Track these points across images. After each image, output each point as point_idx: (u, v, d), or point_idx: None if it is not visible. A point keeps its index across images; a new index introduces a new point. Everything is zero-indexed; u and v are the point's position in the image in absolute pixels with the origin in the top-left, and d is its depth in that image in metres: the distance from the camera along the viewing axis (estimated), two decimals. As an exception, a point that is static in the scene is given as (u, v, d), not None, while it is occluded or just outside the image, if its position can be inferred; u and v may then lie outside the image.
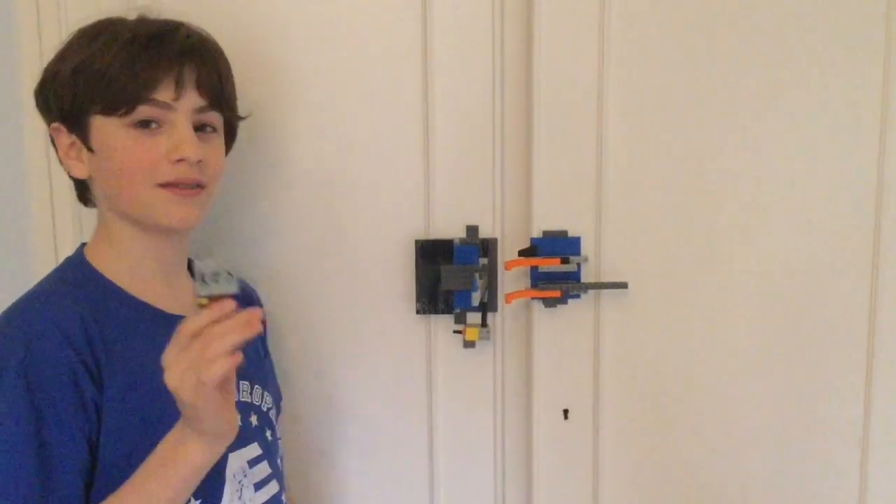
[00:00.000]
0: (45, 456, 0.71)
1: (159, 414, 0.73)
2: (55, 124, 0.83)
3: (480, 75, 1.04)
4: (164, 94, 0.80)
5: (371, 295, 1.08)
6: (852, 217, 1.04)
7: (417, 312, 1.07)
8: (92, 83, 0.79)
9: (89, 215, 0.97)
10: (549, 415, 1.07)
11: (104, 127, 0.80)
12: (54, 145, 0.84)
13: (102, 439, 0.74)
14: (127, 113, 0.79)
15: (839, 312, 1.06)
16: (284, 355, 1.08)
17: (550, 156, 1.03)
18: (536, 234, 1.04)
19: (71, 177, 0.86)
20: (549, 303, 1.05)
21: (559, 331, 1.06)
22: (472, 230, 1.06)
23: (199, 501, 0.77)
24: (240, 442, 0.80)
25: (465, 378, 1.08)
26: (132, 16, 0.84)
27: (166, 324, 0.71)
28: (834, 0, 1.01)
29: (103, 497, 0.72)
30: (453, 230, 1.07)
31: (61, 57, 0.82)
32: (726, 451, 1.08)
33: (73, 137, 0.82)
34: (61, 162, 0.84)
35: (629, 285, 1.04)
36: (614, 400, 1.07)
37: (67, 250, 1.05)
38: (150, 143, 0.80)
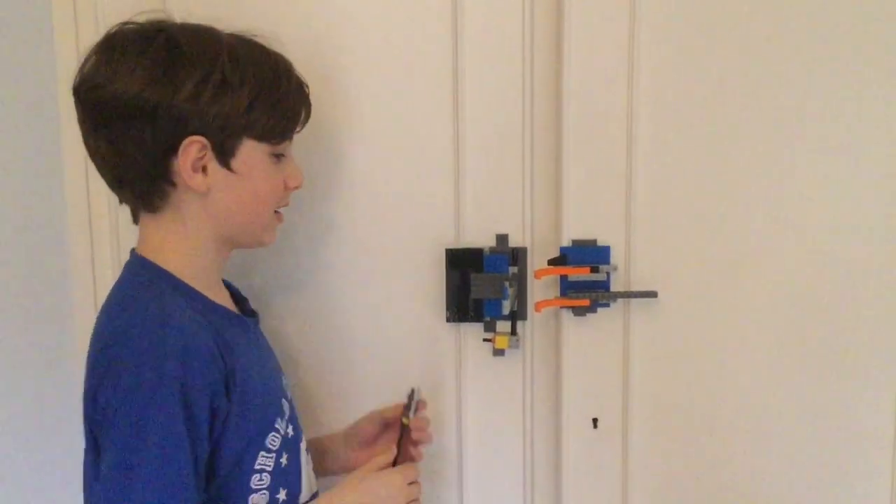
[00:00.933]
0: (198, 471, 0.77)
1: (260, 412, 0.84)
2: (197, 138, 0.80)
3: (510, 84, 1.05)
4: (297, 129, 0.90)
5: (402, 303, 1.09)
6: (884, 224, 1.03)
7: (447, 320, 1.08)
8: (268, 110, 0.83)
9: (126, 216, 1.00)
10: (578, 423, 1.08)
11: (252, 151, 0.83)
12: (167, 154, 0.80)
13: (221, 443, 0.80)
14: (278, 143, 0.86)
15: (870, 320, 1.05)
16: (315, 361, 1.10)
17: (580, 164, 1.04)
18: (566, 242, 1.05)
19: (160, 184, 0.82)
20: (579, 311, 1.05)
21: (588, 340, 1.06)
22: (501, 239, 1.07)
23: (286, 491, 0.86)
24: (301, 431, 0.91)
25: (495, 386, 1.09)
26: (237, 33, 0.86)
27: (241, 324, 0.88)
28: (868, 6, 1.00)
29: None
30: (483, 239, 1.07)
31: (214, 65, 0.80)
32: (756, 461, 1.07)
33: (210, 153, 0.81)
34: (166, 171, 0.81)
35: (659, 294, 1.04)
36: (644, 409, 1.07)
37: (105, 250, 1.09)
38: (279, 173, 0.87)
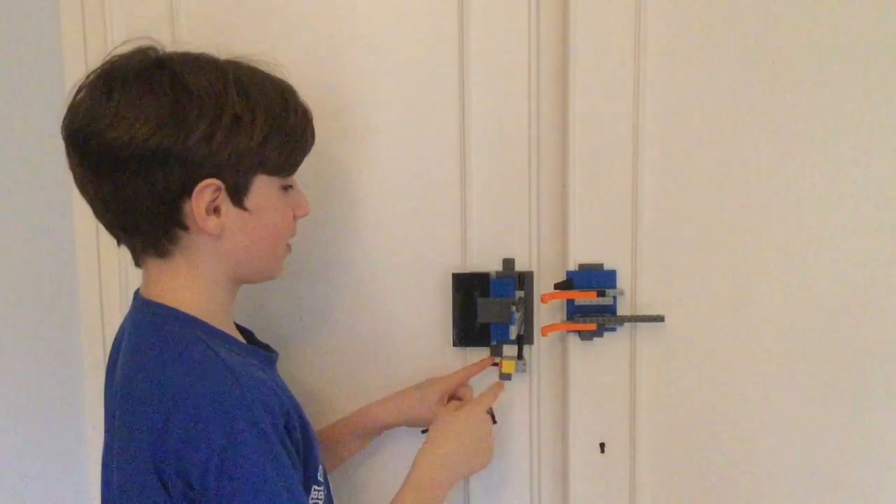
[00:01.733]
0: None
1: (313, 444, 0.85)
2: (212, 181, 0.77)
3: (516, 108, 1.05)
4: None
5: (409, 327, 1.09)
6: (892, 245, 1.03)
7: (454, 344, 1.08)
8: (280, 143, 0.81)
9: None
10: (585, 448, 1.07)
11: (264, 187, 0.81)
12: (180, 198, 0.77)
13: None
14: (287, 175, 0.85)
15: (883, 346, 1.04)
16: (322, 385, 1.10)
17: (586, 189, 1.04)
18: (572, 266, 1.05)
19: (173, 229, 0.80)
20: (586, 336, 1.05)
21: (595, 364, 1.06)
22: (508, 263, 1.07)
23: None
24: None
25: (501, 410, 1.08)
26: (237, 58, 0.83)
27: (269, 362, 0.88)
28: (879, 15, 1.00)
29: None
30: (490, 263, 1.08)
31: (224, 102, 0.77)
32: (766, 487, 1.06)
33: (224, 195, 0.78)
34: (179, 216, 0.78)
35: (666, 318, 1.04)
36: (651, 434, 1.07)
37: (113, 287, 1.10)
38: (289, 204, 0.86)
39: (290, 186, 0.86)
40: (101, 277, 1.12)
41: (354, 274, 1.08)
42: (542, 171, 1.07)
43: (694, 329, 1.05)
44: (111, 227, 0.82)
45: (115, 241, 1.09)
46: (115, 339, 0.88)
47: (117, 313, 1.11)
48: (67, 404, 1.12)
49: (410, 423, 1.04)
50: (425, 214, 1.08)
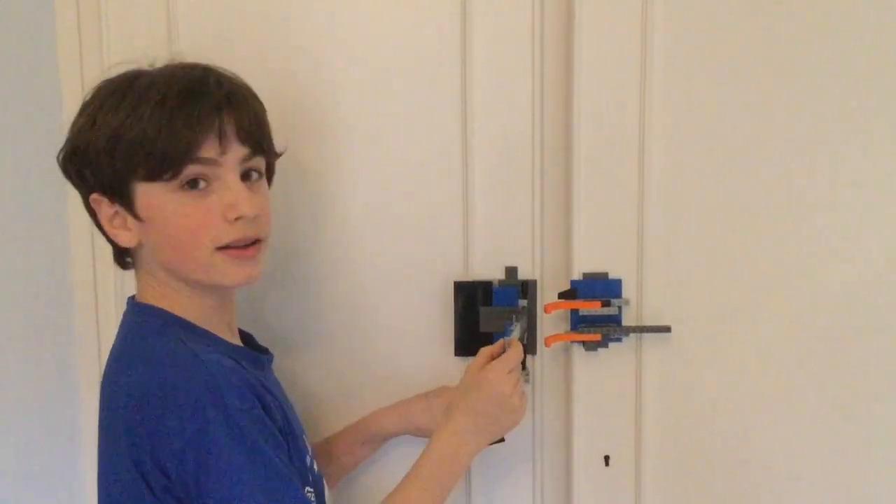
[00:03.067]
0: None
1: (300, 446, 0.84)
2: (94, 195, 0.79)
3: (520, 116, 1.04)
4: (208, 150, 0.77)
5: (410, 336, 1.07)
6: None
7: (456, 354, 1.06)
8: (131, 151, 0.76)
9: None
10: (589, 461, 1.05)
11: (150, 194, 0.77)
12: (94, 216, 0.82)
13: None
14: (173, 177, 0.76)
15: (893, 357, 1.02)
16: (323, 393, 1.08)
17: (590, 196, 1.02)
18: (576, 275, 1.03)
19: (115, 245, 0.84)
20: (590, 346, 1.03)
21: (600, 375, 1.04)
22: (511, 271, 1.05)
23: None
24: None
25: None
26: (157, 63, 0.82)
27: (259, 363, 0.88)
28: (889, 16, 0.98)
29: None
30: (492, 271, 1.06)
31: (89, 122, 0.78)
32: (775, 499, 1.04)
33: (117, 207, 0.79)
34: (104, 232, 0.82)
35: (672, 329, 1.02)
36: (657, 447, 1.05)
37: (110, 298, 1.09)
38: (203, 205, 0.78)
39: (200, 184, 0.78)
40: (97, 285, 1.11)
41: (355, 281, 1.07)
42: (545, 178, 1.05)
43: (701, 340, 1.03)
44: None
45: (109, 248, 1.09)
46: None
47: (113, 318, 1.09)
48: (62, 417, 1.11)
49: (416, 432, 1.02)
50: (427, 222, 1.06)
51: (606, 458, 1.04)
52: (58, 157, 0.81)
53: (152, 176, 0.76)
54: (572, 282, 1.03)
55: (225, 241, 0.79)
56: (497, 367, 0.88)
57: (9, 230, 1.01)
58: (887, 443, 1.03)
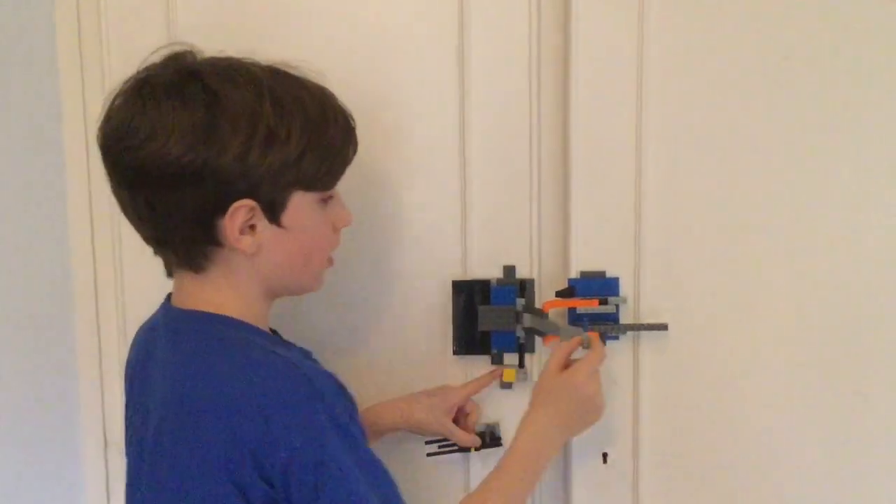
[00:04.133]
0: None
1: None
2: (246, 202, 0.75)
3: (518, 115, 1.04)
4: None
5: (408, 335, 1.08)
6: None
7: (454, 353, 1.07)
8: (318, 157, 0.77)
9: (133, 274, 1.05)
10: (587, 458, 1.06)
11: (302, 202, 0.78)
12: (214, 216, 0.75)
13: None
14: (327, 189, 0.81)
15: (890, 351, 1.02)
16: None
17: (588, 195, 1.03)
18: (574, 274, 1.04)
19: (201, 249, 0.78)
20: (586, 344, 1.03)
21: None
22: (509, 270, 1.06)
23: None
24: None
25: (503, 419, 1.07)
26: (270, 65, 0.80)
27: (304, 355, 0.86)
28: (885, 17, 0.99)
29: None
30: (490, 271, 1.06)
31: (258, 118, 0.74)
32: (770, 495, 1.05)
33: (260, 213, 0.76)
34: (222, 234, 0.76)
35: (669, 327, 1.02)
36: (655, 444, 1.05)
37: (110, 311, 1.10)
38: (327, 217, 0.82)
39: (331, 198, 0.82)
40: (97, 290, 1.11)
41: (354, 281, 1.07)
42: (543, 177, 1.05)
43: (698, 337, 1.04)
44: (146, 239, 0.80)
45: (111, 250, 1.09)
46: (136, 355, 0.85)
47: (113, 318, 1.11)
48: (63, 426, 1.11)
49: (415, 430, 1.03)
50: (425, 222, 1.06)
51: (605, 456, 1.05)
52: (209, 165, 0.73)
53: (316, 185, 0.79)
54: (570, 280, 1.03)
55: (333, 250, 0.86)
56: (583, 368, 0.91)
57: (9, 231, 1.01)
58: (883, 438, 1.03)
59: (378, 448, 1.05)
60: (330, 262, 0.86)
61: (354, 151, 0.84)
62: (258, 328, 0.80)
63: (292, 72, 0.80)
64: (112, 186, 0.78)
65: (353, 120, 0.83)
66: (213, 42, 1.03)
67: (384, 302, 1.07)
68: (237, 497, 0.71)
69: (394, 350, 1.08)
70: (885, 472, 1.04)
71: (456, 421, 1.04)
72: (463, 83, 1.04)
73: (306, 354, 0.87)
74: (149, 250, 1.09)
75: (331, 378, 0.77)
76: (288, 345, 0.85)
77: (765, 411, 1.04)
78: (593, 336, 0.96)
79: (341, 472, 0.72)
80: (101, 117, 0.77)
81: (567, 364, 0.93)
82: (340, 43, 1.04)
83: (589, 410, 0.92)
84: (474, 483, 1.08)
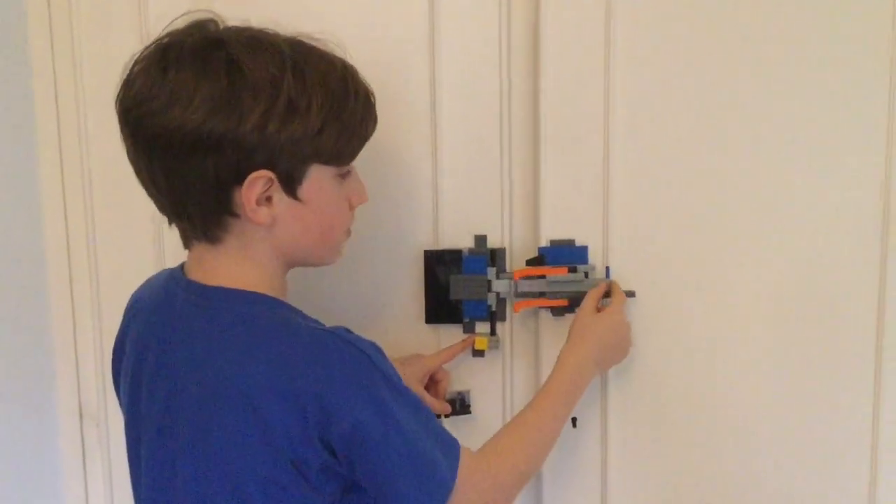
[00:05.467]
0: None
1: None
2: (264, 172, 0.74)
3: (488, 87, 1.05)
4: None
5: (381, 305, 1.09)
6: (860, 222, 1.03)
7: (426, 322, 1.08)
8: (338, 131, 0.77)
9: (107, 246, 1.05)
10: (557, 423, 1.08)
11: (319, 176, 0.78)
12: (231, 186, 0.75)
13: None
14: (346, 163, 0.82)
15: (849, 317, 1.05)
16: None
17: (557, 165, 1.04)
18: (544, 243, 1.05)
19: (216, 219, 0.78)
20: (557, 312, 1.05)
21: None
22: (480, 240, 1.07)
23: None
24: None
25: (475, 386, 1.09)
26: (287, 35, 0.79)
27: None
28: (842, 4, 1.00)
29: None
30: (462, 240, 1.07)
31: (279, 88, 0.73)
32: (735, 457, 1.08)
33: (277, 185, 0.76)
34: (239, 204, 0.76)
35: (637, 294, 1.05)
36: (623, 408, 1.08)
37: (83, 282, 1.10)
38: (343, 192, 0.83)
39: (348, 173, 0.83)
40: (70, 263, 1.11)
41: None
42: (513, 148, 1.06)
43: (666, 304, 1.06)
44: (162, 208, 0.80)
45: (83, 220, 1.10)
46: (148, 330, 0.83)
47: (87, 298, 1.11)
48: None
49: None
50: (397, 192, 1.07)
51: (574, 420, 1.07)
52: (229, 134, 0.73)
53: (335, 159, 0.79)
54: (540, 249, 1.05)
55: (350, 225, 0.87)
56: (617, 309, 1.00)
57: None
58: (852, 406, 1.06)
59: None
60: (347, 233, 0.87)
61: (374, 127, 0.84)
62: (289, 304, 0.81)
63: (315, 44, 0.80)
64: (129, 153, 0.78)
65: (374, 95, 0.83)
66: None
67: (357, 272, 1.08)
68: (295, 475, 0.74)
69: (366, 319, 1.09)
70: (850, 436, 1.06)
71: (427, 388, 1.06)
72: (433, 56, 1.04)
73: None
74: (122, 221, 1.10)
75: (374, 344, 0.79)
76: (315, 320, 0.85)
77: (732, 375, 1.06)
78: (615, 284, 1.03)
79: (401, 432, 0.75)
80: (121, 82, 0.76)
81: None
82: (312, 14, 1.04)
83: (621, 346, 1.02)
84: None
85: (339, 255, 0.87)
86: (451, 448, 0.79)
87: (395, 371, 0.79)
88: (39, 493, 1.11)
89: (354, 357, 0.75)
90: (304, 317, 0.81)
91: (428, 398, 1.05)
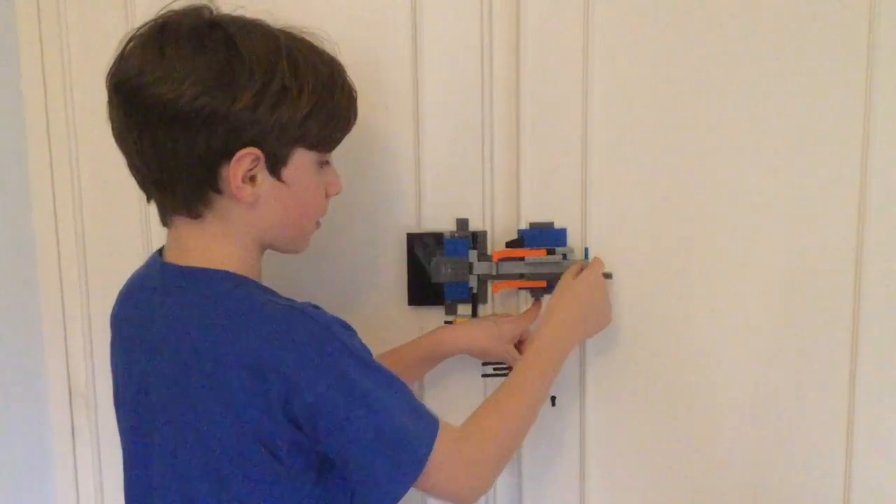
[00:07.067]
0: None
1: None
2: (252, 150, 0.77)
3: (469, 72, 1.07)
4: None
5: (363, 287, 1.11)
6: (836, 205, 1.05)
7: (409, 303, 1.11)
8: (324, 119, 0.80)
9: (95, 226, 1.07)
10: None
11: (302, 160, 0.81)
12: (218, 162, 0.77)
13: None
14: (327, 151, 0.84)
15: (825, 300, 1.07)
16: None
17: (537, 149, 1.06)
18: (524, 225, 1.07)
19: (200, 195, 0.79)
20: (536, 293, 1.08)
21: (546, 320, 1.09)
22: (462, 223, 1.09)
23: None
24: None
25: (455, 366, 1.11)
26: (278, 25, 0.81)
27: None
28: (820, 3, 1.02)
29: None
30: (444, 223, 1.10)
31: (274, 72, 0.76)
32: (711, 437, 1.10)
33: (263, 165, 0.78)
34: (224, 180, 0.78)
35: (614, 276, 1.07)
36: (600, 386, 1.10)
37: (72, 261, 1.12)
38: (321, 181, 0.85)
39: (327, 163, 0.86)
40: (59, 242, 1.13)
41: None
42: (495, 132, 1.08)
43: (642, 286, 1.08)
44: (144, 182, 0.81)
45: (71, 198, 1.11)
46: (136, 314, 0.85)
47: (75, 275, 1.13)
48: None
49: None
50: (380, 176, 1.09)
51: (553, 399, 1.09)
52: (221, 111, 0.75)
53: (319, 145, 0.82)
54: (519, 231, 1.07)
55: (323, 214, 0.88)
56: (591, 272, 1.02)
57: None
58: (815, 384, 1.08)
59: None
60: (317, 225, 0.89)
61: (355, 120, 0.87)
62: (258, 282, 0.83)
63: (306, 37, 0.83)
64: (117, 127, 0.79)
65: (356, 91, 0.86)
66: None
67: (341, 254, 1.10)
68: (263, 452, 0.76)
69: (350, 300, 1.11)
70: (821, 414, 1.09)
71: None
72: (416, 39, 1.06)
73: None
74: (109, 197, 1.12)
75: (340, 320, 0.80)
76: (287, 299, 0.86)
77: (706, 355, 1.09)
78: (595, 257, 1.06)
79: (365, 404, 0.76)
80: (114, 57, 0.78)
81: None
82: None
83: (600, 310, 1.02)
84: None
85: (306, 245, 0.89)
86: (428, 424, 0.80)
87: (363, 346, 0.80)
88: (29, 471, 1.13)
89: (316, 331, 0.76)
90: (275, 294, 0.82)
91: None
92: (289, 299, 0.82)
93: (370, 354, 0.80)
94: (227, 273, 0.80)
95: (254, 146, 0.77)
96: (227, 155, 0.76)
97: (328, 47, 0.84)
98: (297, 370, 0.74)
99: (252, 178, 0.78)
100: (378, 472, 0.77)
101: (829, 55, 1.03)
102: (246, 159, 0.77)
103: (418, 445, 0.78)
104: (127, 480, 0.86)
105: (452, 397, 1.11)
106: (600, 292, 1.02)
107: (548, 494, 1.13)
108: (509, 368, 1.07)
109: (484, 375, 1.09)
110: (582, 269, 1.03)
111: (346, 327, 0.80)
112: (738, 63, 1.04)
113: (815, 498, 1.09)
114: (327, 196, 0.87)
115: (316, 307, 0.81)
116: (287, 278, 1.10)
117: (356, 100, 0.86)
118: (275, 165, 0.79)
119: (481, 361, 1.08)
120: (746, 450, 1.10)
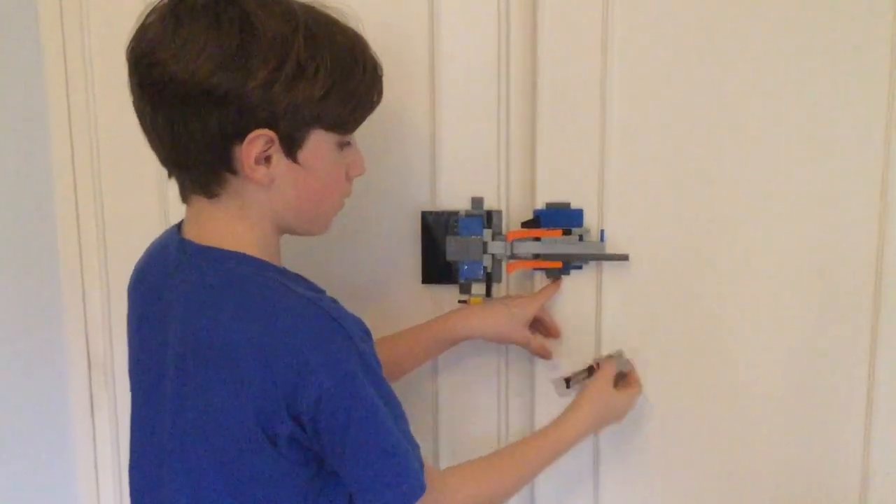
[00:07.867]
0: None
1: None
2: (265, 132, 0.75)
3: (486, 50, 1.06)
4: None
5: (377, 265, 1.11)
6: (856, 190, 1.03)
7: (423, 282, 1.10)
8: (342, 99, 0.78)
9: (113, 198, 1.07)
10: (551, 384, 1.10)
11: (320, 142, 0.79)
12: (232, 142, 0.75)
13: None
14: (347, 132, 0.82)
15: (845, 281, 1.05)
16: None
17: (554, 128, 1.05)
18: (540, 205, 1.06)
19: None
20: (552, 273, 1.07)
21: (561, 301, 1.08)
22: (476, 202, 1.09)
23: None
24: None
25: (470, 346, 1.11)
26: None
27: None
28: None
29: None
30: (459, 202, 1.09)
31: (289, 50, 0.74)
32: (729, 421, 1.09)
33: (278, 146, 0.76)
34: (238, 161, 0.76)
35: (630, 257, 1.06)
36: (615, 370, 1.09)
37: (91, 233, 1.14)
38: (342, 162, 0.83)
39: (348, 144, 0.83)
40: (79, 214, 1.15)
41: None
42: (511, 110, 1.07)
43: (659, 267, 1.07)
44: (163, 160, 0.81)
45: (90, 170, 1.12)
46: (154, 284, 0.85)
47: (94, 248, 1.15)
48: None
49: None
50: (395, 154, 1.09)
51: (567, 381, 1.09)
52: (234, 90, 0.73)
53: (337, 127, 0.80)
54: (535, 211, 1.06)
55: (345, 195, 0.87)
56: (633, 394, 1.06)
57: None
58: (834, 366, 1.07)
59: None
60: (340, 204, 0.87)
61: (379, 100, 0.84)
62: (277, 266, 0.82)
63: (329, 12, 0.80)
64: (135, 102, 0.78)
65: (382, 69, 0.83)
66: None
67: (356, 232, 1.10)
68: (262, 437, 0.75)
69: (364, 279, 1.11)
70: (850, 395, 1.07)
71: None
72: (433, 19, 1.05)
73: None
74: (128, 170, 1.13)
75: (358, 321, 0.79)
76: (308, 283, 0.85)
77: (725, 337, 1.07)
78: (632, 370, 1.08)
79: (369, 410, 0.75)
80: (133, 32, 0.77)
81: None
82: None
83: (617, 418, 1.05)
84: (441, 400, 1.13)
85: (327, 227, 0.87)
86: (417, 450, 0.80)
87: (375, 357, 0.78)
88: (49, 440, 1.16)
89: (333, 329, 0.75)
90: (295, 282, 0.82)
91: (534, 341, 1.05)
92: (308, 286, 0.81)
93: (380, 367, 0.79)
94: (244, 255, 0.79)
95: (267, 127, 0.75)
96: (241, 135, 0.75)
97: (352, 24, 0.81)
98: (306, 362, 0.73)
99: (267, 160, 0.77)
100: (373, 481, 0.77)
101: (851, 50, 1.00)
102: (259, 141, 0.75)
103: (417, 467, 0.79)
104: (132, 458, 0.87)
105: (467, 381, 1.11)
106: (630, 407, 1.05)
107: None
108: (590, 368, 1.07)
109: (568, 387, 1.08)
110: (619, 373, 1.05)
111: (363, 330, 0.79)
112: (760, 52, 1.01)
113: (831, 491, 1.08)
114: (349, 178, 0.85)
115: (335, 301, 0.80)
116: (301, 257, 1.10)
117: (381, 78, 0.83)
118: (290, 147, 0.77)
119: (497, 344, 1.08)
120: (766, 437, 1.09)
